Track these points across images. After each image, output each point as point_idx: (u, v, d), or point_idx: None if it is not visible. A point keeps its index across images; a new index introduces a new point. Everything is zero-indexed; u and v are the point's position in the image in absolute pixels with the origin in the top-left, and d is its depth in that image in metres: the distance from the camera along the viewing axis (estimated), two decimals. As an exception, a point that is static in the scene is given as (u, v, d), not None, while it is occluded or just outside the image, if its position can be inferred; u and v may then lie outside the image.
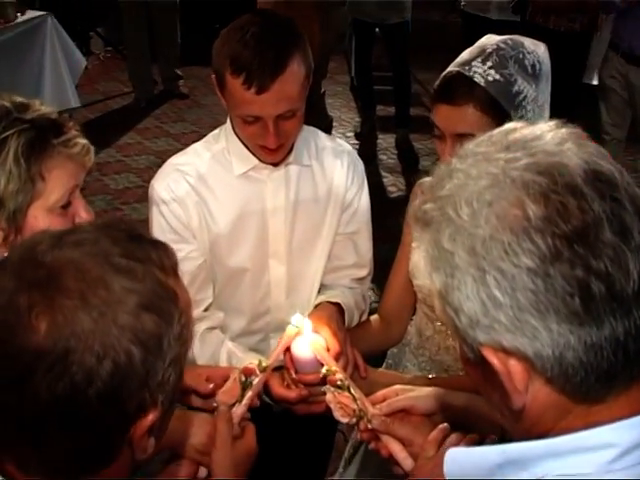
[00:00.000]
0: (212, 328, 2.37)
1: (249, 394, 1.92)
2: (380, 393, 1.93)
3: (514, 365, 1.05)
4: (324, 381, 2.02)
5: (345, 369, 2.10)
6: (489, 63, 2.01)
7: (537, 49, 2.08)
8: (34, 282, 1.11)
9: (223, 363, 2.30)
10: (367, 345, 2.38)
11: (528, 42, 2.08)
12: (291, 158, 2.34)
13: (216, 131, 2.43)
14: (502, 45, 2.05)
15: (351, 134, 7.83)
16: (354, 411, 1.89)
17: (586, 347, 1.01)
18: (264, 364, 1.98)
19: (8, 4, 6.28)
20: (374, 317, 2.55)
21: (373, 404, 1.89)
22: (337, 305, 2.33)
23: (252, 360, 2.07)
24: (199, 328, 2.30)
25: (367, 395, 1.94)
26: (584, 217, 0.99)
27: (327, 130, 6.29)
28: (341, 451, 2.81)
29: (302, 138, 2.37)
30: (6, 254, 1.53)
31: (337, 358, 2.09)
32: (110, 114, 8.19)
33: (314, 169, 2.41)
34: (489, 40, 2.10)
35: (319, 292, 2.50)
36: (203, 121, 7.99)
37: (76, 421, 1.12)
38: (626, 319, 1.00)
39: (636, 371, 1.05)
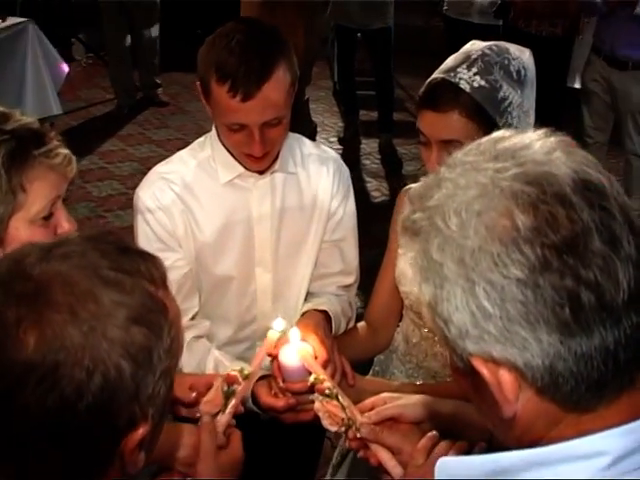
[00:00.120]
0: (199, 337, 2.36)
1: (233, 402, 1.91)
2: (368, 401, 1.92)
3: (504, 375, 1.04)
4: (312, 389, 2.01)
5: (333, 377, 2.09)
6: (474, 69, 2.01)
7: (522, 55, 2.08)
8: (22, 296, 1.10)
9: (210, 372, 2.28)
10: (354, 352, 2.37)
11: (513, 48, 2.08)
12: (277, 166, 2.33)
13: (201, 139, 2.42)
14: (487, 51, 2.05)
15: (334, 139, 7.85)
16: (342, 420, 1.89)
17: (576, 357, 1.00)
18: (246, 372, 1.97)
19: (-12, 11, 6.27)
20: (361, 324, 2.54)
21: (361, 412, 1.88)
22: (324, 313, 2.32)
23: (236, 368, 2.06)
24: (186, 337, 2.29)
25: (355, 403, 1.93)
26: (573, 227, 0.99)
27: (311, 136, 6.29)
28: (328, 457, 2.80)
29: (287, 145, 2.37)
30: None
31: (325, 366, 2.08)
32: (92, 121, 8.18)
33: (300, 177, 2.41)
34: (474, 46, 2.10)
35: (305, 300, 2.49)
36: (187, 127, 7.99)
37: (66, 436, 1.11)
38: (616, 329, 1.00)
39: (626, 380, 1.05)
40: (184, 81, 9.00)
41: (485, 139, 1.14)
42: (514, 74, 2.03)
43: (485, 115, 2.00)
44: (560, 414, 1.06)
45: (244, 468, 1.82)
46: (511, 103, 2.02)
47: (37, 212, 1.77)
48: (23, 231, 1.76)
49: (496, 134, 1.14)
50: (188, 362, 2.29)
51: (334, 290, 2.52)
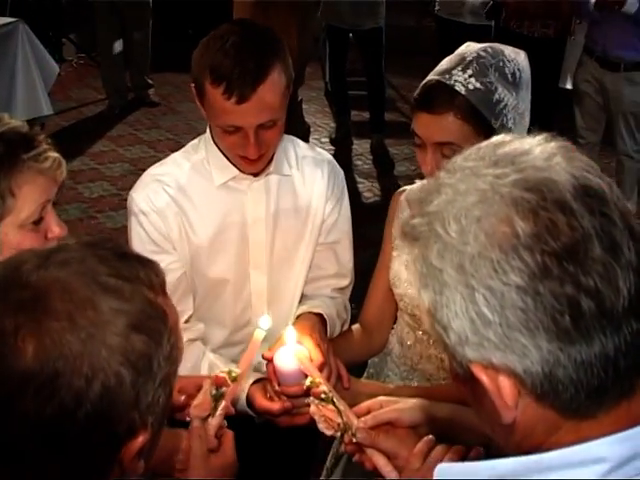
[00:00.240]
0: (193, 340, 2.35)
1: (223, 404, 1.90)
2: (364, 404, 1.92)
3: (503, 382, 1.04)
4: (307, 393, 2.00)
5: (328, 380, 2.09)
6: (469, 71, 2.01)
7: (517, 57, 2.08)
8: (20, 303, 1.09)
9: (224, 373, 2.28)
10: (349, 355, 2.37)
11: (508, 50, 2.08)
12: (271, 168, 2.32)
13: (195, 141, 2.41)
14: (482, 53, 2.05)
15: (326, 140, 7.85)
16: (338, 424, 1.88)
17: (576, 364, 1.00)
18: (234, 374, 1.96)
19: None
20: (355, 326, 2.54)
21: (357, 416, 1.87)
22: (319, 315, 2.32)
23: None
24: None
25: (351, 406, 1.93)
26: (573, 234, 0.98)
27: (305, 137, 6.28)
28: (322, 459, 2.80)
29: (282, 147, 2.36)
30: None
31: (320, 369, 2.07)
32: (83, 121, 8.16)
33: (294, 179, 2.40)
34: (468, 48, 2.10)
35: (300, 302, 2.49)
36: (178, 128, 7.97)
37: (64, 444, 1.10)
38: (616, 336, 1.00)
39: (626, 386, 1.04)
40: (175, 81, 8.99)
41: (484, 144, 1.13)
42: (509, 76, 2.03)
43: (480, 117, 2.00)
44: (559, 420, 1.06)
45: (238, 470, 1.82)
46: (506, 105, 2.02)
47: (27, 217, 1.76)
48: (13, 236, 1.75)
49: (495, 139, 1.14)
50: (182, 365, 2.24)
51: (329, 293, 2.51)
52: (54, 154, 1.80)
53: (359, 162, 7.46)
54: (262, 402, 2.15)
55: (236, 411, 2.12)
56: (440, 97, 2.01)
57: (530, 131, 2.07)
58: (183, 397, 1.99)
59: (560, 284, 0.98)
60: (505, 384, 1.04)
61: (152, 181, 2.33)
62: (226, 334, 2.46)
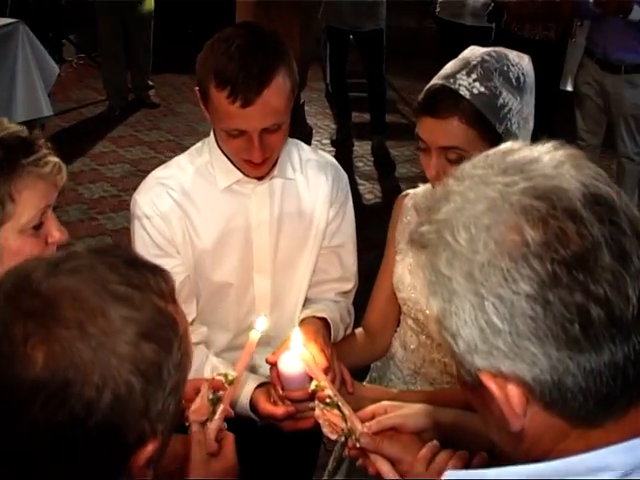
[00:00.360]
0: (196, 343, 2.34)
1: (221, 408, 1.89)
2: (369, 409, 1.92)
3: (512, 390, 1.04)
4: (312, 397, 2.00)
5: (333, 384, 2.09)
6: (474, 76, 2.01)
7: (521, 61, 2.07)
8: (30, 312, 1.09)
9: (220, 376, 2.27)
10: (352, 359, 2.36)
11: (512, 54, 2.07)
12: (275, 172, 2.32)
13: (199, 144, 2.41)
14: (486, 57, 2.04)
15: (327, 141, 7.85)
16: (342, 429, 1.88)
17: (585, 373, 1.00)
18: (230, 377, 1.95)
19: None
20: (358, 330, 2.53)
21: (362, 421, 1.87)
22: (323, 320, 2.32)
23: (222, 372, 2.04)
24: None
25: (355, 410, 1.92)
26: (583, 242, 0.98)
27: (307, 140, 6.29)
28: (324, 462, 2.80)
29: (286, 151, 2.36)
30: None
31: (325, 373, 2.07)
32: (84, 122, 8.16)
33: (298, 182, 2.40)
34: (473, 52, 2.09)
35: (304, 306, 2.49)
36: (178, 129, 7.97)
37: (74, 453, 1.10)
38: (625, 344, 1.00)
39: (635, 395, 1.04)
40: (175, 82, 9.00)
41: (492, 151, 1.13)
42: (513, 80, 2.03)
43: (485, 122, 1.99)
44: (567, 428, 1.06)
45: (239, 473, 1.81)
46: (511, 110, 2.01)
47: (27, 222, 1.74)
48: (13, 241, 1.74)
49: (503, 146, 1.14)
50: None
51: (332, 296, 2.51)
52: (54, 159, 1.78)
53: (360, 164, 7.46)
54: (266, 406, 2.15)
55: (237, 414, 2.12)
56: (445, 101, 2.01)
57: (533, 134, 2.09)
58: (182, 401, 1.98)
59: (570, 292, 0.97)
60: (514, 392, 1.04)
61: (156, 184, 2.32)
62: (229, 338, 2.46)
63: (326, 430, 1.93)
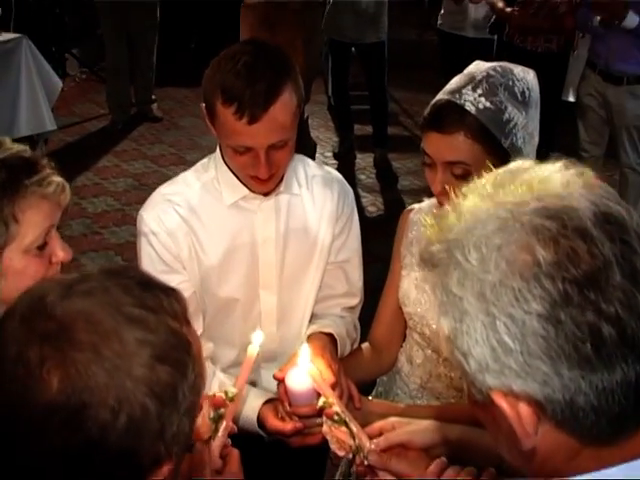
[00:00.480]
0: (203, 359, 2.34)
1: (223, 425, 1.89)
2: (377, 425, 1.92)
3: (523, 408, 1.04)
4: (320, 413, 2.00)
5: (340, 400, 2.09)
6: (479, 91, 2.01)
7: (526, 76, 2.08)
8: (45, 335, 1.09)
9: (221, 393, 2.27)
10: (359, 374, 2.36)
11: (517, 69, 2.08)
12: (282, 188, 2.32)
13: (205, 160, 2.41)
14: (492, 72, 2.05)
15: (329, 154, 7.85)
16: (350, 447, 1.88)
17: (597, 392, 1.00)
18: (230, 394, 1.94)
19: (-18, 28, 6.26)
20: (364, 345, 2.53)
21: (370, 437, 1.87)
22: (330, 335, 2.32)
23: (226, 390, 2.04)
24: None
25: (362, 425, 1.93)
26: (594, 261, 0.99)
27: (311, 155, 6.28)
28: (330, 477, 2.79)
29: (292, 167, 2.36)
30: None
31: (332, 389, 2.07)
32: (87, 137, 8.17)
33: (304, 198, 2.40)
34: (478, 67, 2.10)
35: (310, 321, 2.48)
36: (181, 143, 7.99)
37: (90, 477, 1.10)
38: (637, 363, 1.00)
39: None
40: (177, 96, 9.01)
41: (502, 170, 1.13)
42: (519, 95, 2.03)
43: (490, 137, 2.00)
44: (579, 447, 1.06)
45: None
46: (516, 124, 2.02)
47: (31, 242, 1.73)
48: (17, 262, 1.73)
49: (513, 165, 1.14)
50: None
51: (338, 312, 2.51)
52: (57, 178, 1.77)
53: (362, 176, 7.46)
54: (274, 422, 2.15)
55: (244, 430, 2.12)
56: (450, 116, 2.01)
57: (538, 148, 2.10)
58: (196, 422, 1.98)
59: (581, 312, 0.98)
60: (525, 411, 1.04)
61: (162, 201, 2.32)
62: (236, 353, 2.45)
63: (334, 446, 1.93)
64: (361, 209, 6.66)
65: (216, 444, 1.83)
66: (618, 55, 5.46)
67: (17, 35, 6.62)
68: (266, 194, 2.30)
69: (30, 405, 1.07)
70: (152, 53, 8.37)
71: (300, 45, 5.53)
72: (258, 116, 2.04)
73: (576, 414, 1.02)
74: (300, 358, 2.06)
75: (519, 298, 0.99)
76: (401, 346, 2.48)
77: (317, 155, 7.51)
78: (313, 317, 2.50)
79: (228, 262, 2.33)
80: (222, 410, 1.90)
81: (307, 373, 2.02)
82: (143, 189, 6.79)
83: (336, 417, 1.93)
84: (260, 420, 2.19)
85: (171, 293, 1.21)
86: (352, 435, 1.89)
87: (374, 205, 6.86)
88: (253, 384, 2.37)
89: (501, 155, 2.00)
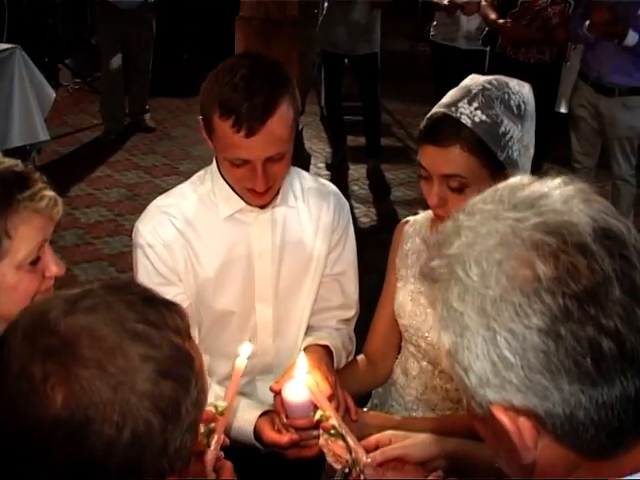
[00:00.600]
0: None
1: (215, 439, 1.89)
2: (373, 438, 1.92)
3: (524, 422, 1.04)
4: (316, 425, 2.00)
5: (337, 412, 2.09)
6: (475, 104, 2.02)
7: (522, 89, 2.09)
8: (48, 351, 1.09)
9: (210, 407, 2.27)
10: (354, 386, 2.36)
11: (513, 82, 2.09)
12: (278, 200, 2.33)
13: (201, 172, 2.41)
14: (487, 86, 2.06)
15: (322, 165, 7.86)
16: (347, 461, 1.88)
17: (597, 406, 1.01)
18: (220, 408, 1.94)
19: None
20: (360, 357, 2.53)
21: (366, 450, 1.87)
22: (326, 347, 2.32)
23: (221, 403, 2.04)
24: None
25: (359, 438, 1.93)
26: (594, 277, 0.99)
27: (305, 166, 6.28)
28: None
29: (287, 179, 2.36)
30: None
31: (329, 401, 2.07)
32: (80, 147, 8.17)
33: (300, 211, 2.40)
34: (474, 81, 2.11)
35: (306, 334, 2.48)
36: (174, 153, 7.99)
37: None
38: (637, 378, 1.00)
39: None
40: (170, 106, 9.01)
41: (502, 186, 1.14)
42: (514, 109, 2.04)
43: (486, 150, 2.01)
44: (578, 460, 1.07)
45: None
46: (512, 137, 2.03)
47: (24, 257, 1.72)
48: (10, 277, 1.72)
49: (513, 181, 1.14)
50: None
51: (334, 324, 2.51)
52: (50, 193, 1.76)
53: (355, 187, 7.46)
54: (270, 434, 2.14)
55: (240, 442, 2.12)
56: (446, 129, 2.02)
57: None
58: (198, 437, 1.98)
59: (581, 326, 0.98)
60: (525, 425, 1.04)
61: (158, 213, 2.32)
62: (231, 366, 2.42)
63: (330, 459, 1.93)
64: (354, 220, 6.56)
65: (209, 457, 1.83)
66: (610, 67, 5.50)
67: (11, 45, 6.60)
68: (262, 207, 2.30)
69: (34, 421, 1.07)
70: (148, 64, 8.38)
71: (295, 57, 5.54)
72: (255, 129, 2.05)
73: (576, 428, 1.02)
74: (297, 370, 2.06)
75: (520, 313, 1.00)
76: (396, 358, 2.49)
77: (310, 166, 7.52)
78: (309, 329, 2.50)
79: (224, 274, 2.33)
80: (212, 425, 1.90)
81: (304, 385, 2.02)
82: (136, 199, 6.79)
83: (333, 431, 1.93)
84: (256, 432, 2.18)
85: (173, 308, 1.22)
86: (349, 449, 1.89)
87: (367, 216, 6.86)
88: (249, 396, 2.37)
89: (497, 168, 2.01)
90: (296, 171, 2.46)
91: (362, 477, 1.82)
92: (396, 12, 9.00)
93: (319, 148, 8.30)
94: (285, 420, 2.12)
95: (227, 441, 1.93)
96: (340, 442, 1.91)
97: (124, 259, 5.76)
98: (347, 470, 1.88)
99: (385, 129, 8.22)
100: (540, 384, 1.00)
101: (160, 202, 2.36)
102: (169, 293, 2.19)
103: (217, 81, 2.11)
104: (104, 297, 1.17)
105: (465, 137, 2.01)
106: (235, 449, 1.94)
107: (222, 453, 1.87)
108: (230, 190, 2.28)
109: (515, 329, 1.00)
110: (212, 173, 2.34)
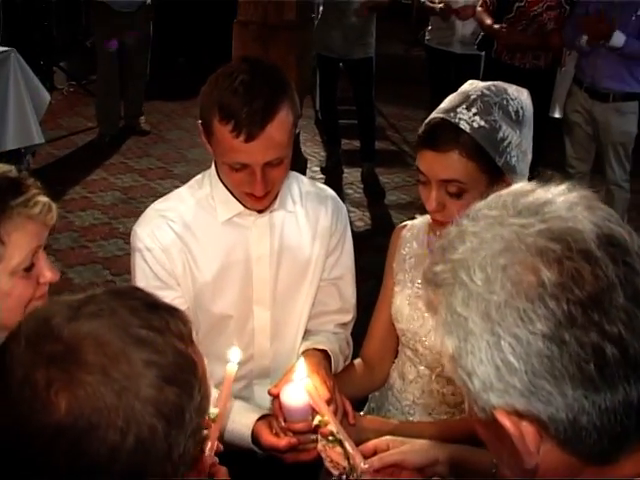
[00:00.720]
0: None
1: (209, 445, 1.89)
2: (371, 443, 1.92)
3: (527, 427, 1.05)
4: (314, 429, 2.01)
5: (335, 416, 2.09)
6: (474, 109, 2.03)
7: (520, 95, 2.10)
8: (51, 357, 1.09)
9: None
10: (351, 390, 2.36)
11: (511, 89, 2.10)
12: (276, 205, 2.33)
13: (199, 176, 2.41)
14: (486, 91, 2.06)
15: (317, 169, 7.85)
16: (344, 467, 1.88)
17: (600, 411, 1.01)
18: (212, 415, 1.93)
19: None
20: (357, 361, 2.54)
21: (364, 455, 1.87)
22: (324, 352, 2.32)
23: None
24: None
25: (356, 442, 1.93)
26: (598, 283, 1.00)
27: (302, 170, 6.28)
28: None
29: (286, 184, 2.37)
30: None
31: (327, 405, 2.07)
32: (74, 150, 8.14)
33: (298, 215, 2.41)
34: (472, 86, 2.11)
35: (303, 338, 2.48)
36: (168, 156, 7.97)
37: None
38: (639, 383, 1.01)
39: None
40: (165, 109, 9.00)
41: (506, 192, 1.14)
42: (513, 114, 2.05)
43: (485, 155, 2.02)
44: (581, 465, 1.07)
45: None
46: (510, 143, 2.04)
47: (18, 264, 1.72)
48: (4, 284, 1.72)
49: (517, 188, 1.15)
50: None
51: (332, 328, 2.51)
52: (44, 198, 1.76)
53: (350, 191, 7.46)
54: (268, 438, 2.14)
55: (236, 445, 2.12)
56: (445, 135, 2.03)
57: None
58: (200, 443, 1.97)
59: (585, 332, 0.99)
60: (528, 430, 1.05)
61: (156, 216, 2.31)
62: (227, 370, 2.45)
63: (328, 465, 1.94)
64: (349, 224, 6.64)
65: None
66: (604, 73, 5.52)
67: (6, 49, 6.59)
68: (260, 211, 2.30)
69: (37, 427, 1.06)
70: (145, 67, 8.37)
71: (293, 61, 5.55)
72: (255, 134, 2.05)
73: (579, 433, 1.03)
74: (295, 374, 2.06)
75: (524, 318, 1.00)
76: (393, 362, 2.49)
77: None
78: (306, 333, 2.50)
79: (222, 278, 2.33)
80: (205, 431, 1.90)
81: (303, 388, 2.03)
82: (131, 202, 6.78)
83: (331, 437, 1.94)
84: (254, 436, 2.18)
85: (176, 314, 1.22)
86: (346, 455, 1.89)
87: (362, 220, 6.86)
88: (246, 400, 2.37)
89: (495, 173, 2.02)
90: (294, 175, 2.46)
91: None
92: (391, 16, 9.01)
93: (314, 151, 8.30)
94: (283, 424, 2.12)
95: (221, 447, 1.93)
96: (338, 448, 1.91)
97: (119, 262, 5.75)
98: (344, 477, 1.88)
99: (380, 133, 8.22)
100: (544, 389, 1.01)
101: (158, 206, 2.36)
102: (167, 297, 2.18)
103: (217, 85, 2.11)
104: (107, 303, 1.16)
105: (464, 142, 2.01)
106: (231, 453, 1.94)
107: (217, 459, 1.87)
108: (228, 194, 2.29)
109: (519, 334, 1.01)
110: (211, 177, 2.34)
